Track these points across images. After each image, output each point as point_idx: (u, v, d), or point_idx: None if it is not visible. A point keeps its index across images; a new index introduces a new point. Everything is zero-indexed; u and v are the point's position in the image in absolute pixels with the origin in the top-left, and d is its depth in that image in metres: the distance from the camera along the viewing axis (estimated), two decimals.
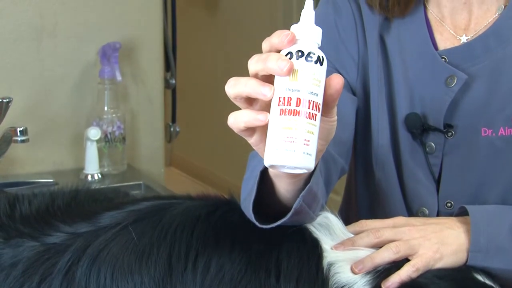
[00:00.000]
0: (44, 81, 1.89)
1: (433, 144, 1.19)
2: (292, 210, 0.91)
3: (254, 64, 0.80)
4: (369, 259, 0.97)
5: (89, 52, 1.93)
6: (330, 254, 0.97)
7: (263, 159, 0.81)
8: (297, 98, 0.78)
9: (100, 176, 1.87)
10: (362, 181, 1.31)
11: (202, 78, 3.95)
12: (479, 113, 1.16)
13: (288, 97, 0.78)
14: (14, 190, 1.58)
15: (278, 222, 0.93)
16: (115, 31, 1.95)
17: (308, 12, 0.81)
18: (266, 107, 0.80)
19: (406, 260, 0.97)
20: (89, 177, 1.86)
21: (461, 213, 1.07)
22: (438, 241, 1.00)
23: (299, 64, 0.78)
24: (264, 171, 0.91)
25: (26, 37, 1.86)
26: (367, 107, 1.24)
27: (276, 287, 0.93)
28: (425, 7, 1.22)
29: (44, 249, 0.97)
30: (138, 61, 2.02)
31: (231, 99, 0.82)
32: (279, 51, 0.80)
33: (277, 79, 0.79)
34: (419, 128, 1.19)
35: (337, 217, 1.02)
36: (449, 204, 1.20)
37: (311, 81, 0.78)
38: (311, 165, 0.79)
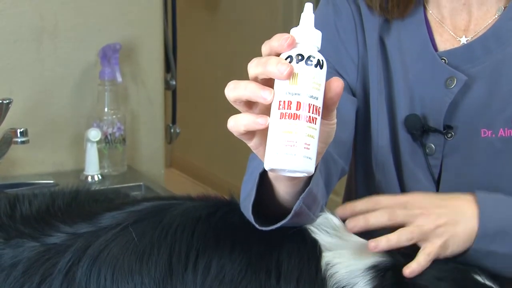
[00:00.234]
0: (44, 82, 1.89)
1: (433, 145, 1.19)
2: (292, 212, 0.91)
3: (254, 67, 0.80)
4: (386, 240, 0.98)
5: (89, 53, 1.93)
6: (329, 254, 0.97)
7: (262, 161, 0.81)
8: (297, 102, 0.78)
9: (100, 177, 1.87)
10: (362, 182, 1.31)
11: (202, 79, 3.95)
12: (478, 114, 1.16)
13: (288, 101, 0.78)
14: (14, 191, 1.58)
15: (278, 224, 0.93)
16: (115, 32, 1.95)
17: (307, 15, 0.81)
18: (266, 110, 0.80)
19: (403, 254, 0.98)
20: (89, 178, 1.86)
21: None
22: (450, 230, 1.01)
23: (299, 67, 0.78)
24: (264, 173, 0.91)
25: (26, 38, 1.86)
26: (367, 108, 1.24)
27: (276, 287, 0.93)
28: (424, 8, 1.22)
29: (45, 249, 0.97)
30: (138, 62, 2.02)
31: (230, 103, 0.82)
32: (278, 55, 0.80)
33: (277, 83, 0.79)
34: (419, 129, 1.19)
35: (337, 217, 1.03)
36: None
37: (311, 84, 0.78)
38: (312, 169, 0.79)
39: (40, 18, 1.87)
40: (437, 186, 1.20)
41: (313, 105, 0.78)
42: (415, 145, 1.21)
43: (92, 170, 1.86)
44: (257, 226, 0.94)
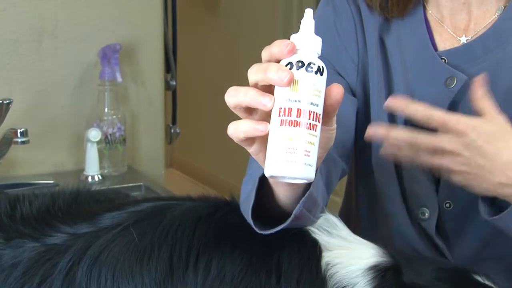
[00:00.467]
0: (45, 82, 1.90)
1: None
2: (292, 216, 0.90)
3: (254, 73, 0.80)
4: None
5: (90, 54, 1.93)
6: (329, 254, 0.97)
7: (262, 167, 0.81)
8: (298, 109, 0.78)
9: (100, 177, 1.87)
10: (362, 182, 1.31)
11: (202, 79, 3.95)
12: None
13: (289, 108, 0.78)
14: (14, 191, 1.58)
15: (277, 228, 0.92)
16: (116, 33, 1.96)
17: (307, 21, 0.81)
18: (266, 116, 0.80)
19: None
20: (90, 179, 1.86)
21: None
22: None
23: (300, 74, 0.78)
24: (263, 177, 0.91)
25: (26, 39, 1.86)
26: (367, 109, 1.24)
27: (277, 287, 0.93)
28: (424, 8, 1.22)
29: (45, 249, 0.97)
30: (138, 63, 2.02)
31: (230, 109, 0.82)
32: (278, 61, 0.80)
33: (277, 90, 0.79)
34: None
35: (337, 218, 1.03)
36: (448, 205, 1.20)
37: (311, 91, 0.78)
38: (312, 176, 0.79)
39: (40, 18, 1.87)
40: (437, 185, 1.20)
41: (314, 112, 0.78)
42: None
43: (92, 170, 1.86)
44: (256, 229, 0.93)
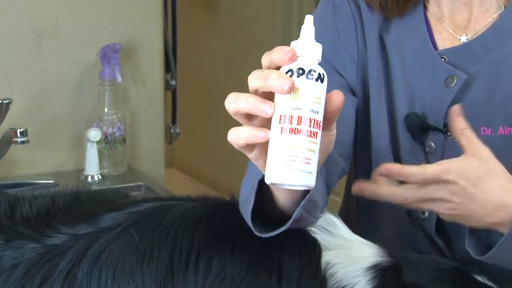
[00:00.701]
0: (44, 82, 1.89)
1: (432, 144, 1.19)
2: (292, 219, 0.90)
3: (255, 80, 0.80)
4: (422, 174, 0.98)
5: (89, 53, 1.93)
6: (329, 253, 0.97)
7: (262, 172, 0.81)
8: (298, 117, 0.78)
9: (100, 177, 1.87)
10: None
11: (202, 79, 3.95)
12: (478, 112, 1.16)
13: (289, 116, 0.78)
14: (14, 191, 1.58)
15: (277, 231, 0.92)
16: (115, 32, 1.96)
17: (308, 28, 0.81)
18: (266, 122, 0.80)
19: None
20: (89, 178, 1.86)
21: None
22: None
23: (300, 82, 0.78)
24: (263, 180, 0.91)
25: (26, 38, 1.86)
26: (366, 107, 1.24)
27: (277, 287, 0.93)
28: (425, 7, 1.22)
29: (45, 250, 0.97)
30: (138, 62, 2.02)
31: (231, 115, 0.82)
32: (278, 67, 0.80)
33: (277, 97, 0.79)
34: (419, 128, 1.19)
35: (337, 217, 1.03)
36: None
37: (312, 99, 0.78)
38: (312, 183, 0.79)
39: (40, 18, 1.87)
40: None
41: (314, 119, 0.78)
42: (415, 144, 1.21)
43: (92, 170, 1.86)
44: (256, 233, 0.93)
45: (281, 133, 0.78)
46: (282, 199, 0.91)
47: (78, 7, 1.91)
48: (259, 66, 0.82)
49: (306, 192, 0.89)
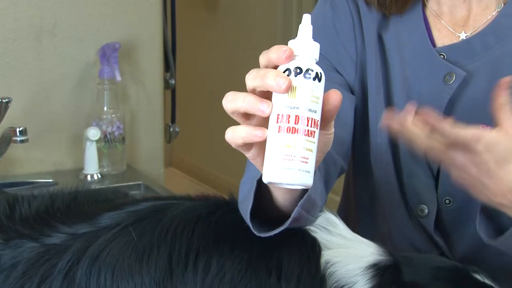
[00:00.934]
0: (44, 81, 1.89)
1: None
2: (291, 218, 0.90)
3: (252, 79, 0.80)
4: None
5: (89, 52, 1.93)
6: (329, 252, 0.97)
7: (260, 171, 0.81)
8: (296, 116, 0.78)
9: (99, 176, 1.87)
10: (360, 180, 1.31)
11: (201, 78, 3.95)
12: (477, 109, 1.16)
13: (287, 115, 0.78)
14: (13, 190, 1.59)
15: (276, 231, 0.92)
16: (115, 31, 1.96)
17: (305, 27, 0.81)
18: (264, 121, 0.80)
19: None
20: (89, 177, 1.86)
21: None
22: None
23: (298, 81, 0.78)
24: (261, 180, 0.91)
25: (25, 37, 1.86)
26: (365, 106, 1.24)
27: (277, 286, 0.93)
28: (423, 5, 1.22)
29: (44, 250, 0.97)
30: (137, 61, 2.02)
31: (228, 114, 0.82)
32: (276, 67, 0.80)
33: (275, 96, 0.79)
34: None
35: (336, 216, 1.03)
36: (447, 201, 1.19)
37: (309, 98, 0.78)
38: (310, 182, 0.79)
39: (39, 17, 1.87)
40: (436, 182, 1.20)
41: (312, 118, 0.78)
42: None
43: (92, 169, 1.86)
44: (255, 232, 0.93)
45: (278, 132, 0.78)
46: (280, 198, 0.91)
47: (77, 6, 1.91)
48: (258, 65, 0.82)
49: (304, 191, 0.89)
